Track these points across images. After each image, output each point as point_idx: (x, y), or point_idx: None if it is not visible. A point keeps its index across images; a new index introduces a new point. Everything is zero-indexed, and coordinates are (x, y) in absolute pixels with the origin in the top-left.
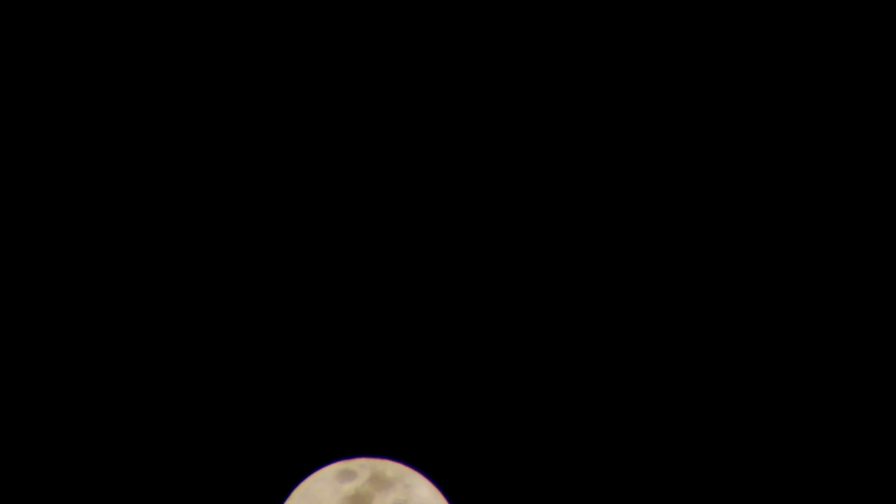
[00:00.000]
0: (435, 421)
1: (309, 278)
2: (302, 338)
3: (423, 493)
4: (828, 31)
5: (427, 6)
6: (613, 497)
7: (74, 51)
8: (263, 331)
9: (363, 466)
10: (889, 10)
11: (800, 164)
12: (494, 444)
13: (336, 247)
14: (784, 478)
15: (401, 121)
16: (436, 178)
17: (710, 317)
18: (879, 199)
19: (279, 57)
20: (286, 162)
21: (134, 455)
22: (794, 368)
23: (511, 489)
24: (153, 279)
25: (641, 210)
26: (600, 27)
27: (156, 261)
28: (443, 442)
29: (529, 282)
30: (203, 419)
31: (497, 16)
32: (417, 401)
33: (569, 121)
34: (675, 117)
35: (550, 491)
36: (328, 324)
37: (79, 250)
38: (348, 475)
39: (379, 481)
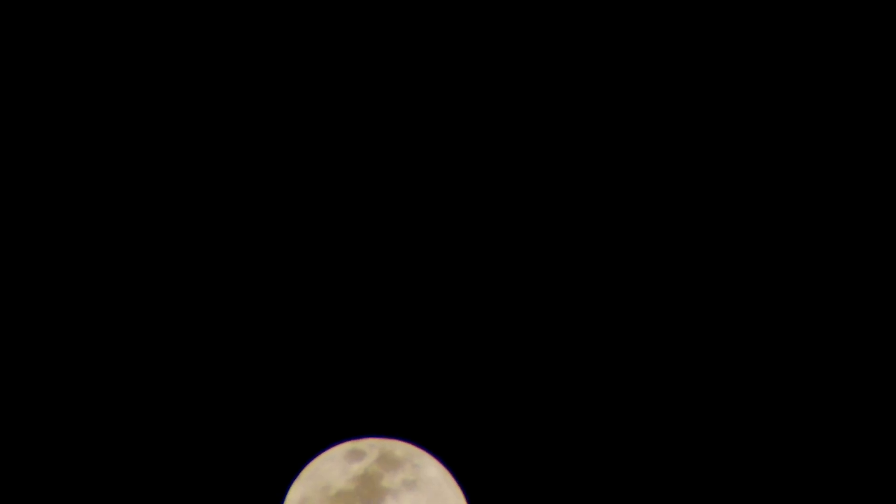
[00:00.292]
0: (443, 401)
1: (319, 265)
2: (312, 321)
3: (432, 473)
4: (828, 31)
5: (427, 6)
6: (616, 476)
7: (75, 51)
8: (275, 314)
9: (372, 446)
10: (889, 10)
11: (799, 165)
12: (502, 425)
13: (344, 235)
14: (784, 477)
15: (407, 116)
16: (443, 170)
17: (704, 299)
18: (879, 199)
19: (279, 57)
20: (297, 156)
21: (145, 437)
22: (794, 367)
23: (518, 469)
24: (168, 266)
25: (638, 200)
26: (600, 28)
27: (172, 248)
28: (451, 422)
29: (533, 270)
30: (214, 401)
31: (497, 17)
32: (425, 382)
33: (568, 120)
34: (675, 118)
35: (557, 470)
36: (338, 307)
37: (80, 245)
38: (357, 455)
39: (387, 461)
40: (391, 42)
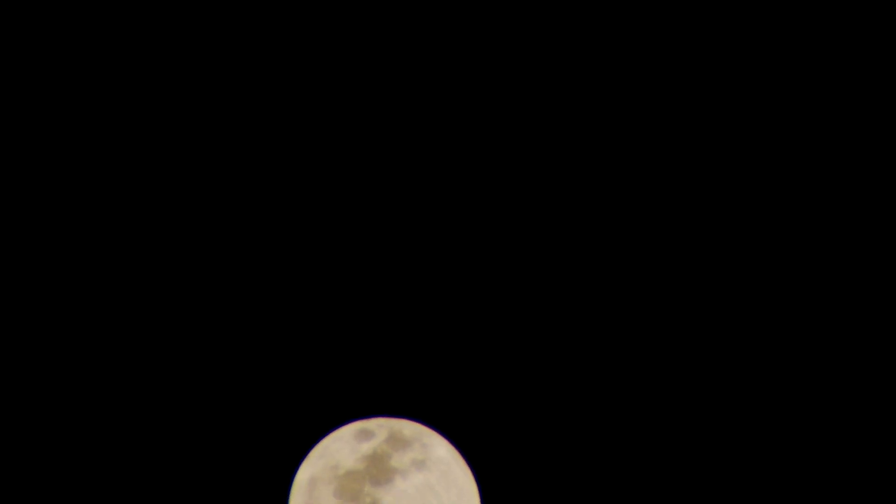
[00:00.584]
0: (451, 381)
1: (328, 248)
2: (322, 303)
3: (441, 453)
4: (828, 31)
5: (427, 6)
6: (623, 454)
7: (75, 51)
8: (286, 297)
9: (381, 426)
10: (889, 10)
11: (799, 165)
12: (510, 404)
13: (354, 221)
14: (785, 475)
15: (418, 106)
16: (450, 159)
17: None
18: (879, 200)
19: (279, 57)
20: (310, 146)
21: (157, 418)
22: (794, 366)
23: (527, 448)
24: (182, 250)
25: (638, 180)
26: (600, 28)
27: (184, 240)
28: (459, 402)
29: (541, 253)
30: (226, 383)
31: (497, 17)
32: (434, 362)
33: (568, 119)
34: (675, 118)
35: (564, 449)
36: (348, 289)
37: (81, 240)
38: (366, 435)
39: (396, 441)
40: (391, 42)
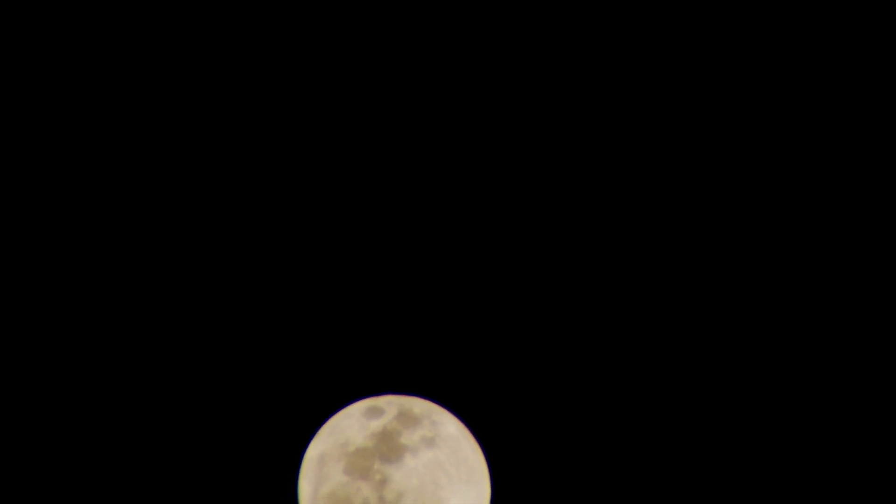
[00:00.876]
0: (461, 359)
1: (336, 228)
2: (332, 281)
3: (450, 430)
4: (828, 31)
5: (427, 6)
6: (632, 434)
7: (75, 51)
8: (296, 276)
9: (390, 403)
10: (889, 10)
11: (799, 165)
12: (520, 382)
13: (362, 203)
14: (786, 474)
15: (425, 97)
16: (458, 145)
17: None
18: (879, 200)
19: (279, 58)
20: (317, 135)
21: (169, 395)
22: (795, 364)
23: (536, 425)
24: (195, 237)
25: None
26: (600, 28)
27: (192, 230)
28: (469, 379)
29: (550, 232)
30: (236, 359)
31: (497, 17)
32: (443, 339)
33: (568, 118)
34: (675, 118)
35: (573, 426)
36: (358, 267)
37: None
38: (376, 412)
39: (406, 418)
40: (391, 42)
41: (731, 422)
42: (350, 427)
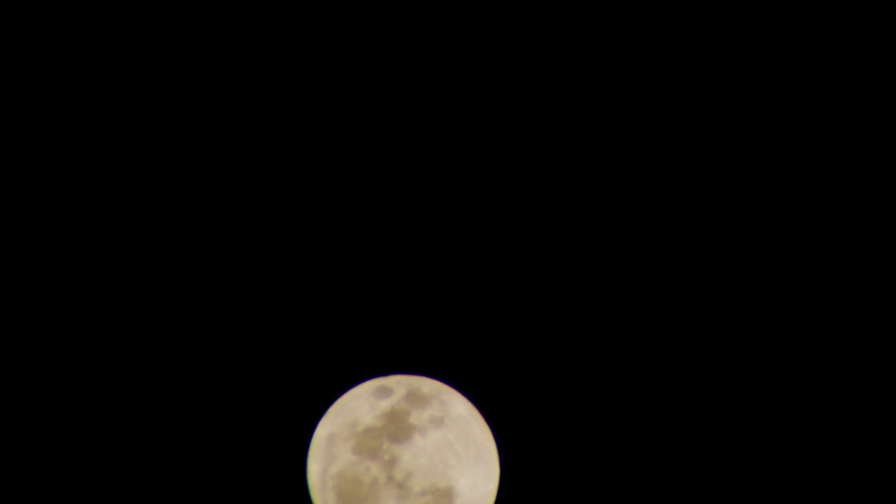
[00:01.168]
0: (470, 339)
1: (344, 208)
2: (340, 261)
3: (459, 410)
4: (828, 31)
5: (427, 6)
6: (640, 413)
7: (75, 51)
8: (304, 255)
9: (399, 384)
10: (889, 10)
11: (799, 165)
12: (528, 362)
13: (370, 184)
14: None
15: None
16: (464, 131)
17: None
18: (879, 200)
19: (280, 58)
20: (328, 124)
21: (177, 376)
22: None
23: (545, 405)
24: (205, 223)
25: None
26: (600, 28)
27: (198, 221)
28: (478, 359)
29: (560, 210)
30: (244, 339)
31: (497, 17)
32: (452, 320)
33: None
34: (675, 118)
35: (582, 406)
36: (367, 247)
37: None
38: (385, 392)
39: (415, 398)
40: (392, 42)
41: (732, 403)
42: (359, 407)
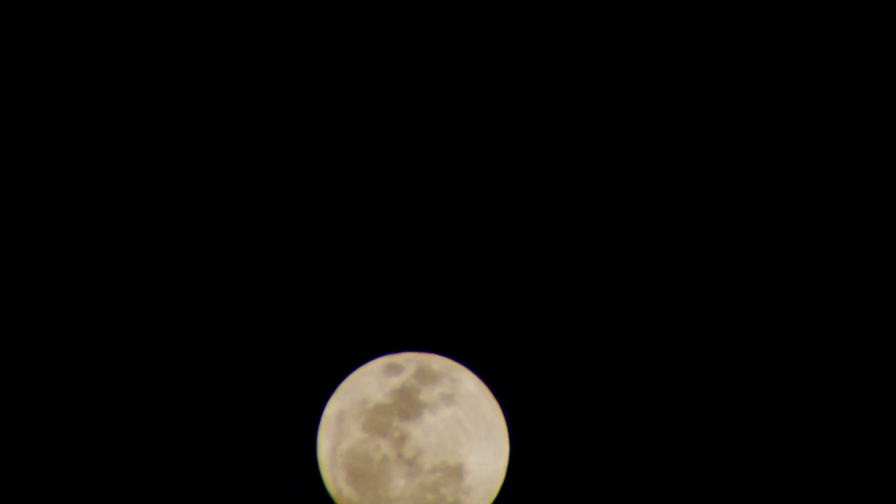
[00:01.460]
0: (480, 315)
1: (352, 182)
2: (349, 236)
3: (469, 387)
4: (828, 31)
5: (427, 7)
6: (653, 389)
7: (75, 51)
8: (312, 229)
9: (409, 361)
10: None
11: (800, 165)
12: (539, 338)
13: (379, 159)
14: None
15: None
16: (475, 101)
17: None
18: (879, 200)
19: (280, 58)
20: (332, 104)
21: (185, 352)
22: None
23: (555, 383)
24: (212, 207)
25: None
26: (600, 28)
27: (202, 212)
28: (488, 336)
29: (570, 187)
30: (253, 315)
31: (498, 17)
32: (462, 296)
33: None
34: (675, 118)
35: (593, 383)
36: (376, 222)
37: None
38: (395, 369)
39: (425, 375)
40: (392, 42)
41: (745, 386)
42: (369, 384)
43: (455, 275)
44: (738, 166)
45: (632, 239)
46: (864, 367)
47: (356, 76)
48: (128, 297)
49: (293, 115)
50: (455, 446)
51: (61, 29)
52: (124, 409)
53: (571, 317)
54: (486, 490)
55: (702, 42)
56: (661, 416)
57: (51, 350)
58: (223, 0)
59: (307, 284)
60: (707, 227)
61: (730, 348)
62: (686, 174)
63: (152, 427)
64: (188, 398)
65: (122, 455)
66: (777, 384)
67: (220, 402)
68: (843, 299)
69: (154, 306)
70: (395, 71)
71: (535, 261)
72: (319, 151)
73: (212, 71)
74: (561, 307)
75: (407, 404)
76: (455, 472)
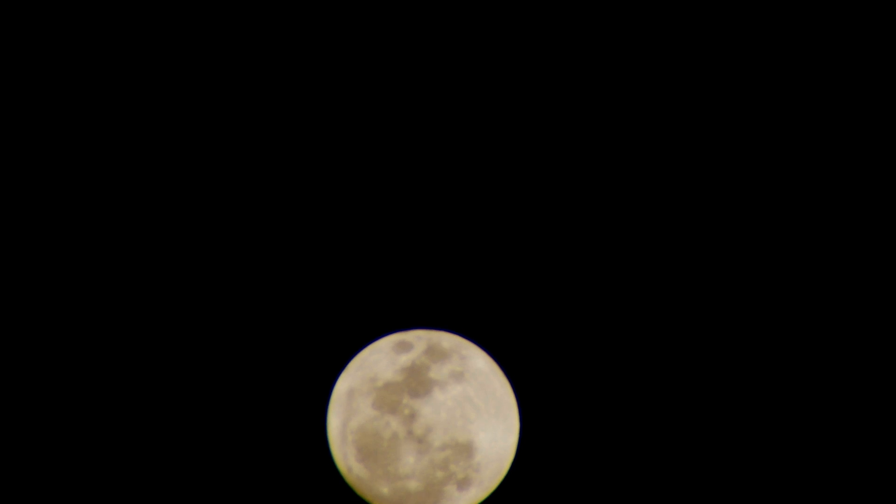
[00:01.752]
0: (490, 293)
1: (364, 162)
2: (360, 215)
3: (479, 365)
4: (828, 31)
5: (427, 7)
6: (663, 366)
7: (76, 51)
8: (322, 208)
9: (419, 338)
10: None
11: (800, 165)
12: (549, 316)
13: (387, 137)
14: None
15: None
16: (483, 86)
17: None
18: (879, 200)
19: (280, 58)
20: (346, 93)
21: (198, 332)
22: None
23: (565, 360)
24: (218, 197)
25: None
26: (600, 28)
27: (205, 210)
28: (498, 314)
29: (581, 167)
30: (264, 292)
31: (498, 17)
32: (472, 273)
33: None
34: (675, 118)
35: (603, 361)
36: (386, 201)
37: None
38: (405, 347)
39: (435, 353)
40: (392, 42)
41: (757, 371)
42: (379, 362)
43: (465, 253)
44: (755, 150)
45: (641, 219)
46: (864, 368)
47: (362, 65)
48: (137, 281)
49: (304, 102)
50: (465, 423)
51: (61, 29)
52: (135, 389)
53: (581, 295)
54: (496, 467)
55: (702, 42)
56: (670, 394)
57: (58, 335)
58: (223, 1)
59: (318, 263)
60: (717, 207)
61: (742, 332)
62: (691, 150)
63: (162, 409)
64: (199, 377)
65: (134, 434)
66: (776, 385)
67: (231, 379)
68: (844, 299)
69: (165, 288)
70: (401, 58)
71: (545, 239)
72: (331, 135)
73: (211, 69)
74: (571, 285)
75: (417, 381)
76: (465, 449)
